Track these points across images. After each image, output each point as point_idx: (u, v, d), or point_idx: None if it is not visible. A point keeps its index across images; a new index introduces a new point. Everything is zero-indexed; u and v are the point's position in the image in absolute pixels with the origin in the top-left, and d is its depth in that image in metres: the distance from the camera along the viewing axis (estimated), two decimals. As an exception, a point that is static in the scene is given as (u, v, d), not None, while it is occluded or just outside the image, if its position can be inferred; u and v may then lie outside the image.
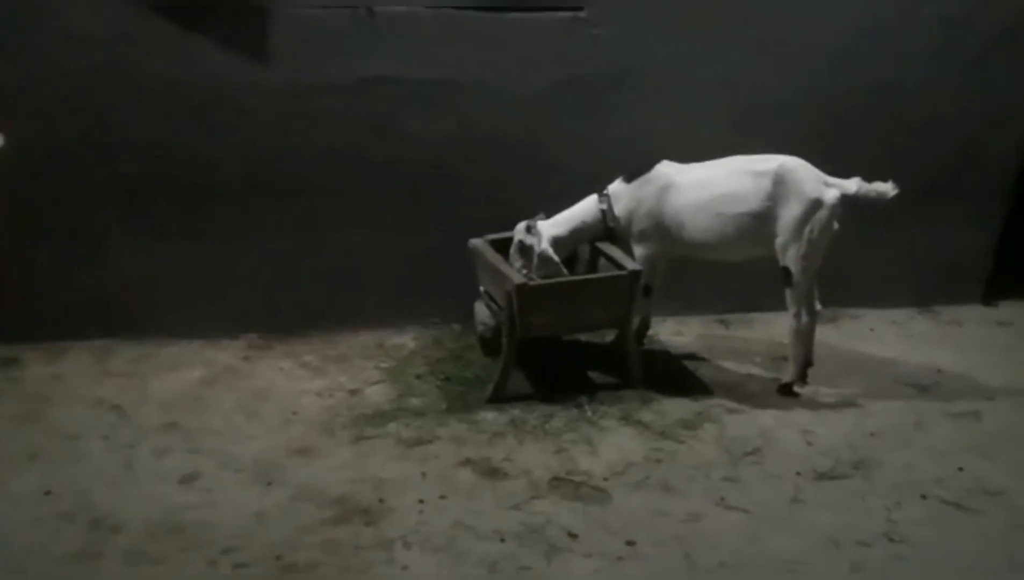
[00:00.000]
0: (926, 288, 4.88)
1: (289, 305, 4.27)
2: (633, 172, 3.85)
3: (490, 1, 3.97)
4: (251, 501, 3.02)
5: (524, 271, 3.77)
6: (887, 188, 3.61)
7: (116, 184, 3.95)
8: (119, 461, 3.21)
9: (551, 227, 3.85)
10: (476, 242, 3.95)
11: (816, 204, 3.58)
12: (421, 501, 3.04)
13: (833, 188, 3.59)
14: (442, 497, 3.07)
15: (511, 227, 3.90)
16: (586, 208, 3.92)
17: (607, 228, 3.91)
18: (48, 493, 3.00)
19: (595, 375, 3.98)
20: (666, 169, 3.81)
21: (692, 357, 4.23)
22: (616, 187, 3.89)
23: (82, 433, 3.37)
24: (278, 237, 4.18)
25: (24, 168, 3.76)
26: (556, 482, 3.18)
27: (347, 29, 3.90)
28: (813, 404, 3.80)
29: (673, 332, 4.48)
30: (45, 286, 3.98)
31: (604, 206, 3.89)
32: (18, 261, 3.91)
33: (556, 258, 3.77)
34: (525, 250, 3.81)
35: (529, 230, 3.79)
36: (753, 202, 3.66)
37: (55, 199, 3.92)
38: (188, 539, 2.81)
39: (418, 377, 3.92)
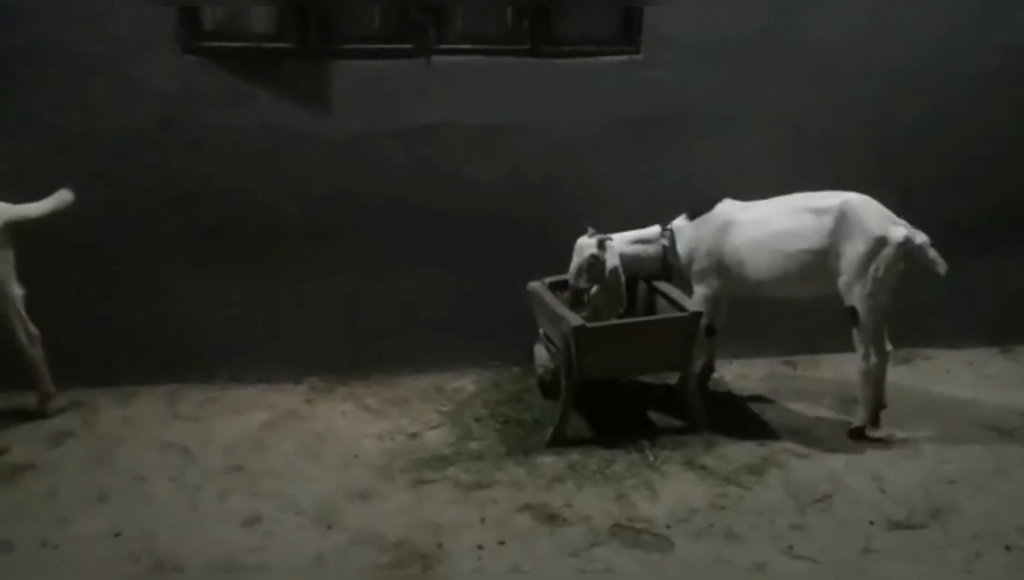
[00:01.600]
0: (1004, 327, 4.68)
1: (350, 349, 4.33)
2: (696, 210, 3.82)
3: (545, 48, 4.03)
4: (310, 544, 3.03)
5: (585, 286, 3.76)
6: (942, 264, 3.49)
7: (183, 232, 4.09)
8: (185, 503, 3.27)
9: (617, 245, 3.80)
10: (535, 285, 3.95)
11: (881, 242, 3.48)
12: (479, 547, 3.01)
13: (900, 226, 3.49)
14: (500, 543, 3.03)
15: (566, 269, 3.90)
16: (649, 236, 3.87)
17: (665, 264, 3.86)
18: (118, 535, 3.07)
19: (657, 418, 3.91)
20: (728, 207, 3.77)
21: (758, 399, 4.12)
22: (679, 224, 3.87)
23: (150, 475, 3.45)
24: (339, 282, 4.25)
25: (95, 219, 3.92)
26: (616, 529, 3.11)
27: (404, 77, 4.00)
28: (886, 449, 3.65)
29: (739, 374, 4.38)
30: (118, 332, 4.12)
31: (666, 242, 3.85)
32: (93, 308, 4.06)
33: (623, 279, 3.72)
34: (593, 266, 3.75)
35: (602, 245, 3.73)
36: (814, 239, 3.58)
37: (126, 248, 4.07)
38: (249, 581, 2.84)
39: (477, 420, 3.91)
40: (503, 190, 4.21)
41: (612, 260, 3.71)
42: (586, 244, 3.79)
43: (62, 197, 3.71)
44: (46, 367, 3.85)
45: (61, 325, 3.86)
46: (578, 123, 4.15)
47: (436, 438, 3.76)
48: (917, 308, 4.11)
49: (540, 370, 4.06)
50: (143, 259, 4.08)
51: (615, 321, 3.67)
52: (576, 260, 3.81)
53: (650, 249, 3.87)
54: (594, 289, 3.82)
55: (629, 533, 3.09)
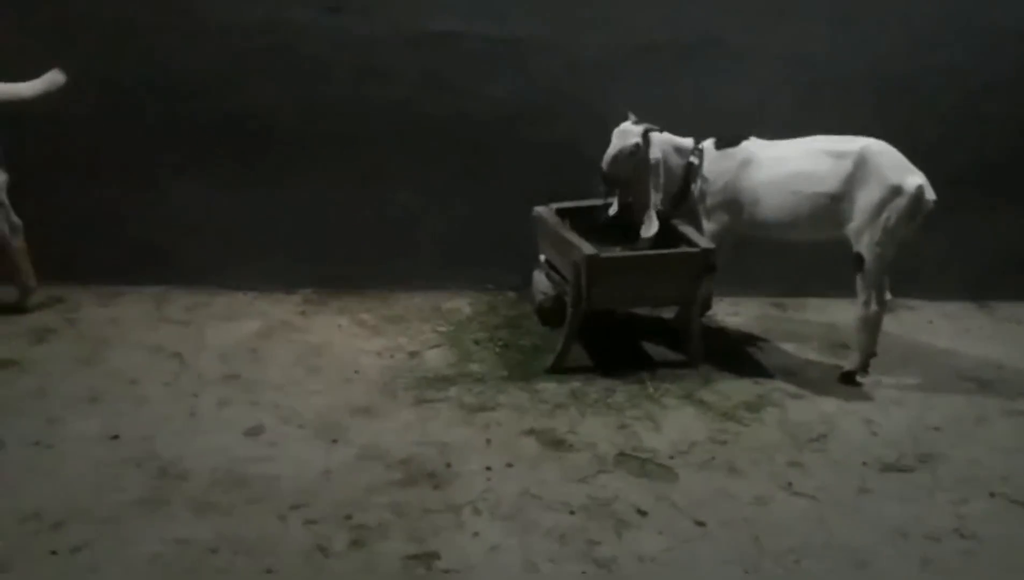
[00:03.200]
0: (985, 283, 4.81)
1: (345, 262, 4.22)
2: (723, 139, 3.76)
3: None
4: (317, 458, 2.99)
5: (619, 175, 3.66)
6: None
7: (175, 127, 3.90)
8: (183, 409, 3.19)
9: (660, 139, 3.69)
10: (541, 210, 3.88)
11: (896, 190, 3.49)
12: (488, 468, 3.01)
13: (916, 176, 3.51)
14: (508, 465, 3.04)
15: (572, 196, 3.83)
16: (680, 148, 3.77)
17: (684, 183, 3.80)
18: (115, 438, 2.98)
19: (654, 352, 3.94)
20: (751, 145, 3.72)
21: (751, 338, 4.18)
22: (708, 146, 3.79)
23: (142, 378, 3.35)
24: (335, 191, 4.12)
25: (82, 106, 3.69)
26: (622, 458, 3.14)
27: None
28: (875, 394, 3.75)
29: (729, 312, 4.42)
30: (102, 228, 3.94)
31: (695, 160, 3.77)
32: (73, 200, 3.85)
33: (662, 173, 3.64)
34: (633, 155, 3.64)
35: (646, 137, 3.61)
36: (831, 182, 3.58)
37: (113, 139, 3.87)
38: (256, 492, 2.80)
39: (476, 343, 3.88)
40: (513, 108, 4.09)
41: (656, 153, 3.61)
42: (631, 130, 3.66)
43: (54, 78, 3.49)
44: (28, 260, 3.66)
45: (44, 217, 3.66)
46: (596, 43, 4.02)
47: (436, 358, 3.73)
48: (904, 259, 4.18)
49: (540, 297, 4.03)
50: (133, 154, 3.88)
51: (626, 253, 3.63)
52: (616, 144, 3.67)
53: (680, 161, 3.79)
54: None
55: (634, 462, 3.13)
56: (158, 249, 4.03)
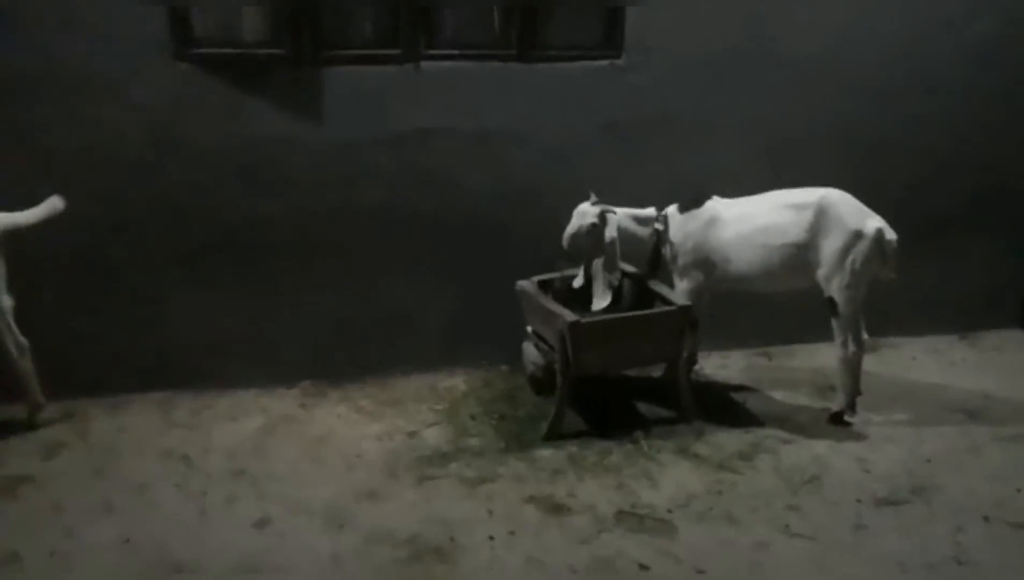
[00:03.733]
0: (965, 316, 4.95)
1: (342, 353, 4.36)
2: (687, 204, 3.95)
3: (532, 53, 4.14)
4: (325, 544, 3.07)
5: (575, 253, 3.84)
6: (892, 272, 3.76)
7: (174, 244, 4.07)
8: (192, 509, 3.28)
9: (616, 219, 3.86)
10: (524, 284, 4.04)
11: (857, 235, 3.67)
12: (491, 538, 3.09)
13: (874, 220, 3.69)
14: (511, 533, 3.12)
15: (551, 269, 4.01)
16: (645, 217, 3.98)
17: (655, 249, 3.98)
18: (127, 542, 3.07)
19: (646, 410, 4.04)
20: (715, 204, 3.92)
21: (740, 389, 4.29)
22: (672, 212, 3.99)
23: (153, 483, 3.45)
24: (329, 288, 4.28)
25: (86, 232, 3.90)
26: (621, 515, 3.23)
27: (394, 85, 4.06)
28: (866, 432, 3.84)
29: (718, 365, 4.54)
30: (107, 342, 4.09)
31: (660, 226, 3.97)
32: (82, 318, 4.02)
33: (618, 251, 3.81)
34: (590, 233, 3.81)
35: (603, 217, 3.79)
36: (795, 233, 3.76)
37: (116, 259, 4.04)
38: (267, 582, 2.87)
39: (473, 418, 3.99)
40: (491, 195, 4.29)
41: (611, 232, 3.79)
42: (588, 211, 3.86)
43: (53, 204, 3.68)
44: (35, 378, 3.81)
45: (50, 335, 3.82)
46: (564, 128, 4.25)
47: (435, 436, 3.83)
48: (884, 299, 4.32)
49: (531, 367, 4.16)
50: (133, 269, 4.05)
51: (607, 316, 3.78)
52: (575, 224, 3.86)
53: (645, 230, 3.98)
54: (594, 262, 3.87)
55: (633, 519, 3.21)
56: (161, 356, 4.17)
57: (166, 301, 4.12)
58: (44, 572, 2.92)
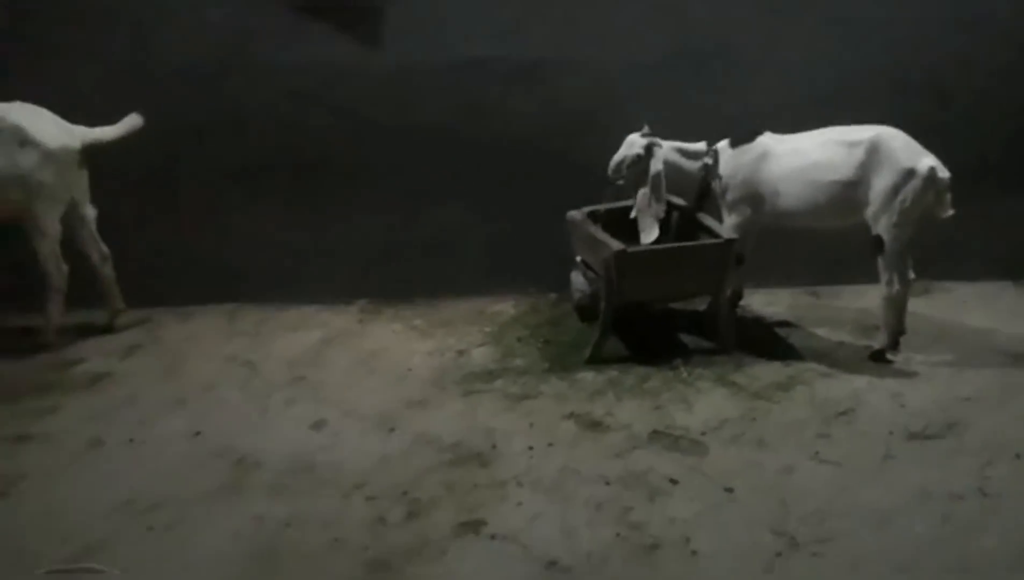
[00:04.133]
0: (1018, 261, 4.88)
1: (396, 274, 4.56)
2: (737, 137, 3.99)
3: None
4: (375, 445, 3.31)
5: (623, 182, 3.92)
6: (948, 207, 3.71)
7: (240, 161, 4.31)
8: (255, 409, 3.55)
9: (663, 152, 3.94)
10: (574, 214, 4.16)
11: (909, 174, 3.66)
12: (530, 448, 3.28)
13: (927, 157, 3.67)
14: (549, 445, 3.30)
15: (601, 200, 4.11)
16: (695, 151, 4.03)
17: (704, 182, 4.04)
18: (197, 434, 3.35)
19: (688, 341, 4.15)
20: (766, 139, 3.95)
21: (783, 325, 4.35)
22: (723, 146, 4.03)
23: (219, 384, 3.73)
24: (385, 211, 4.48)
25: (158, 148, 4.13)
26: (655, 435, 3.37)
27: (450, 13, 4.15)
28: (905, 370, 3.88)
29: (764, 302, 4.60)
30: (179, 254, 4.36)
31: (710, 161, 4.02)
32: (157, 231, 4.29)
33: (664, 183, 3.88)
34: (635, 164, 3.90)
35: (649, 149, 3.88)
36: (845, 170, 3.76)
37: (185, 175, 4.29)
38: (322, 476, 3.12)
39: (519, 340, 4.16)
40: (544, 123, 4.39)
41: (656, 165, 3.87)
42: (635, 141, 3.95)
43: (133, 121, 3.92)
44: (116, 285, 4.10)
45: (128, 246, 4.10)
46: (618, 58, 4.31)
47: (482, 355, 4.02)
48: (939, 243, 4.31)
49: (577, 295, 4.30)
50: (202, 186, 4.31)
51: (652, 246, 3.87)
52: (622, 152, 3.96)
53: (694, 164, 4.05)
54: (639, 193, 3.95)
55: (667, 439, 3.35)
56: (228, 270, 4.43)
57: (231, 217, 4.38)
58: (124, 455, 3.22)
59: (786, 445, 3.32)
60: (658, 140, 3.91)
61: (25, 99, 3.81)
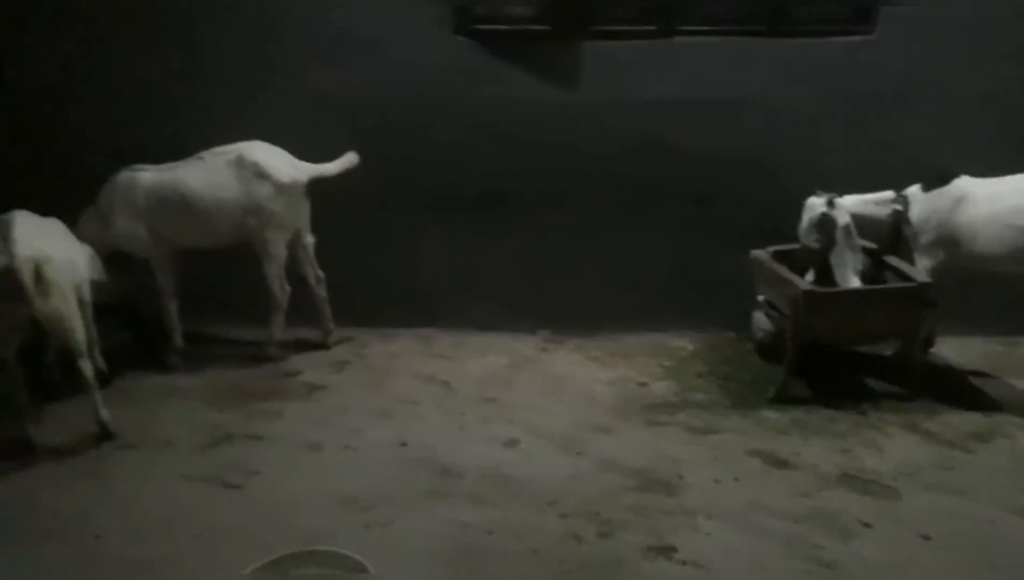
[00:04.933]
0: None
1: (578, 305, 4.76)
2: (931, 181, 3.95)
3: (782, 28, 4.28)
4: (564, 465, 3.49)
5: (818, 245, 3.93)
6: None
7: (437, 194, 4.66)
8: (453, 424, 3.82)
9: (848, 205, 3.96)
10: (758, 253, 4.21)
11: None
12: (716, 481, 3.36)
13: None
14: (735, 479, 3.37)
15: (784, 240, 4.14)
16: (881, 200, 4.03)
17: (896, 229, 4.00)
18: (404, 444, 3.65)
19: (874, 384, 4.09)
20: (963, 183, 3.88)
21: (977, 374, 4.20)
22: (914, 192, 4.00)
23: (420, 400, 4.04)
24: (571, 243, 4.70)
25: (366, 181, 4.53)
26: (844, 477, 3.36)
27: (645, 58, 4.36)
28: (1118, 429, 3.67)
29: (956, 350, 4.45)
30: (383, 281, 4.76)
31: (900, 207, 3.99)
32: (359, 257, 4.70)
33: (856, 234, 3.88)
34: (823, 224, 3.92)
35: (831, 204, 3.91)
36: (1051, 215, 3.64)
37: (387, 208, 4.69)
38: (517, 490, 3.33)
39: (699, 376, 4.24)
40: (728, 164, 4.48)
41: (843, 218, 3.88)
42: (816, 203, 3.98)
43: (350, 159, 4.35)
44: (328, 306, 4.54)
45: (338, 271, 4.52)
46: (807, 99, 4.36)
47: (663, 388, 4.13)
48: None
49: (760, 334, 4.33)
50: (404, 217, 4.68)
51: (842, 288, 3.87)
52: (806, 218, 4.00)
53: (882, 212, 4.02)
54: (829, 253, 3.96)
55: (857, 482, 3.33)
56: (426, 297, 4.79)
57: (431, 247, 4.73)
58: (342, 459, 3.56)
59: (987, 496, 3.23)
60: (835, 195, 3.93)
61: (246, 137, 4.32)
